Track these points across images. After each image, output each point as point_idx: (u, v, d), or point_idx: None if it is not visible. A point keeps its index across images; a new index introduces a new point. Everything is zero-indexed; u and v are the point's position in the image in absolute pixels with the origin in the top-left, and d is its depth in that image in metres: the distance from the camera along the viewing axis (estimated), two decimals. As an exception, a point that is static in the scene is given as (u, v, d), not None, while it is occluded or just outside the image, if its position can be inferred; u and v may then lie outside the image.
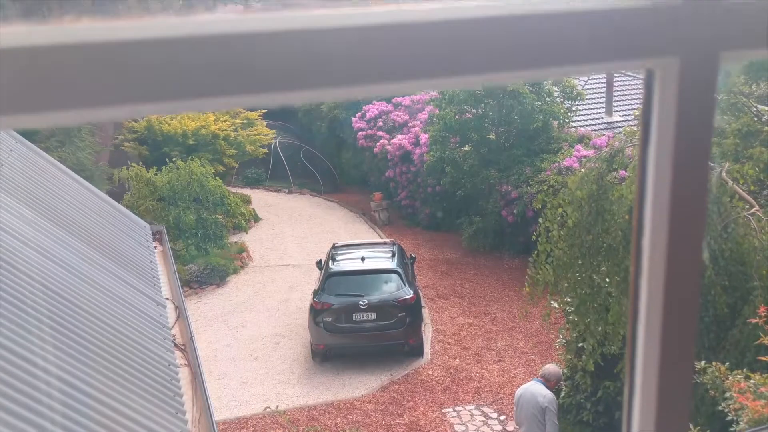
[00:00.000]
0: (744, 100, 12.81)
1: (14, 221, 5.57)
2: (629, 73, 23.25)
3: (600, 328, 8.88)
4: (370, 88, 0.48)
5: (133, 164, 18.78)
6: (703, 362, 6.54)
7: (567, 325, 10.88)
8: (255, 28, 0.45)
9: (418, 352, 13.40)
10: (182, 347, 5.98)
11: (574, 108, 18.84)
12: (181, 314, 6.66)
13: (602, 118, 20.06)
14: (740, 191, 8.54)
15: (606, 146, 15.91)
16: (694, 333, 0.65)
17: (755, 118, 12.48)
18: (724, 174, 8.50)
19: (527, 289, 10.32)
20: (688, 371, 0.66)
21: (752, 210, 8.32)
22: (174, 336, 6.08)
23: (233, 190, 22.43)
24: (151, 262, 7.47)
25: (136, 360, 5.10)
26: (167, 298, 6.92)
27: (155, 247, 8.50)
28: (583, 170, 8.83)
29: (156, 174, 18.35)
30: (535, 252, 9.80)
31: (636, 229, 0.60)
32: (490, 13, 0.49)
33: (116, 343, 5.16)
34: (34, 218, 6.01)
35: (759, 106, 13.52)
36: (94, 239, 6.98)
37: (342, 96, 0.48)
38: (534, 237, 9.95)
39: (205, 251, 17.73)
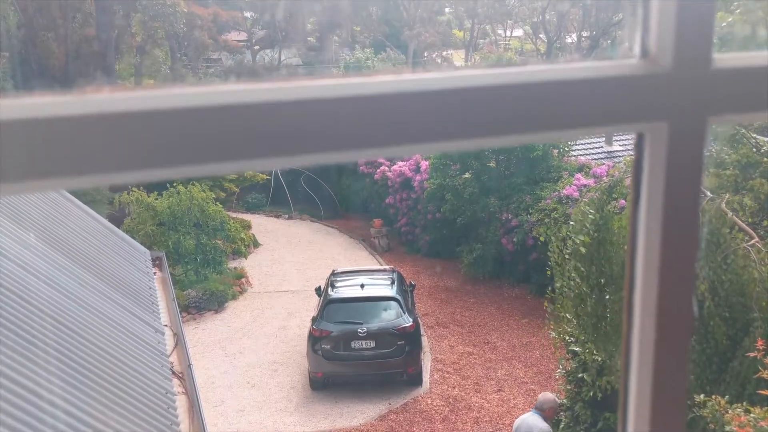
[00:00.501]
0: (743, 131, 12.89)
1: (18, 248, 5.59)
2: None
3: (600, 359, 8.84)
4: (376, 151, 0.50)
5: (133, 188, 18.84)
6: (702, 395, 6.50)
7: (567, 355, 10.82)
8: (256, 99, 0.48)
9: (417, 381, 13.31)
10: (180, 375, 5.96)
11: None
12: (179, 341, 6.64)
13: (602, 147, 20.17)
14: (740, 222, 8.56)
15: (606, 175, 15.98)
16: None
17: (754, 149, 12.54)
18: (723, 205, 8.52)
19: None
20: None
21: (752, 241, 8.32)
22: (172, 363, 6.06)
23: (233, 215, 22.47)
24: (151, 288, 7.47)
25: (135, 388, 5.08)
26: (166, 325, 6.90)
27: (155, 274, 8.50)
28: (585, 200, 8.86)
29: (157, 199, 18.40)
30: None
31: (628, 284, 0.61)
32: (493, 81, 0.51)
33: (116, 372, 5.15)
34: (37, 245, 6.03)
35: (758, 137, 13.60)
36: (95, 265, 6.99)
37: (347, 159, 0.50)
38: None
39: (204, 277, 17.71)
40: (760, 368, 6.06)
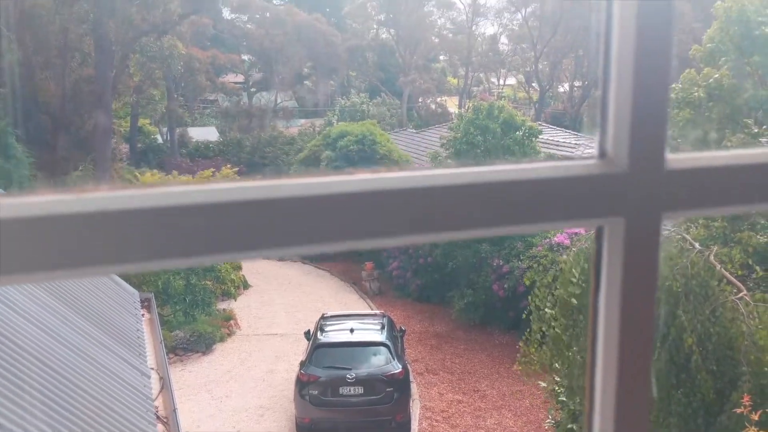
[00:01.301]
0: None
1: (6, 288, 5.57)
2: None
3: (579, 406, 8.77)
4: (356, 243, 0.54)
5: (125, 228, 18.84)
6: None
7: (557, 405, 10.74)
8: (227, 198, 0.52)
9: (405, 429, 13.15)
10: (165, 420, 5.89)
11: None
12: (165, 385, 6.58)
13: (593, 196, 20.35)
14: (728, 275, 8.60)
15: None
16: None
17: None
18: (712, 257, 8.58)
19: (519, 367, 10.22)
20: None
21: (740, 294, 8.36)
22: (157, 408, 5.99)
23: (225, 256, 22.41)
24: (138, 330, 7.42)
25: (118, 433, 5.02)
26: (152, 368, 6.84)
27: (143, 315, 8.45)
28: (575, 249, 8.90)
29: (148, 238, 18.38)
30: (528, 331, 9.76)
31: (589, 367, 0.65)
32: (464, 180, 0.56)
33: (101, 417, 5.09)
34: (26, 285, 6.01)
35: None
36: (83, 306, 6.96)
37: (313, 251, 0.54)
38: (525, 316, 9.92)
39: (192, 318, 17.58)
40: (746, 424, 6.04)
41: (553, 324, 9.21)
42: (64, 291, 7.16)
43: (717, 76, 12.10)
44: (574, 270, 8.59)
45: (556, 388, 10.31)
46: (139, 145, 31.21)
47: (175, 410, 6.00)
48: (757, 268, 9.79)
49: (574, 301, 8.60)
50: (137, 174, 24.22)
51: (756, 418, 6.28)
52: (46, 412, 4.77)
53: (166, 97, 31.36)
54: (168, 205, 0.50)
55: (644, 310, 0.63)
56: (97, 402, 5.39)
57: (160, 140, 33.50)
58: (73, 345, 5.91)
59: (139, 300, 8.81)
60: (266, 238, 0.53)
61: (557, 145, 23.26)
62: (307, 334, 14.68)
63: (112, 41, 20.59)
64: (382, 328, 14.08)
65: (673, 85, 12.96)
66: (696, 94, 12.07)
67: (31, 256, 0.48)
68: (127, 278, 17.23)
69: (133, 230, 0.50)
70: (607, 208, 0.62)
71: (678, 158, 0.64)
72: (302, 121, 42.81)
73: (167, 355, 16.50)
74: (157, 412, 5.90)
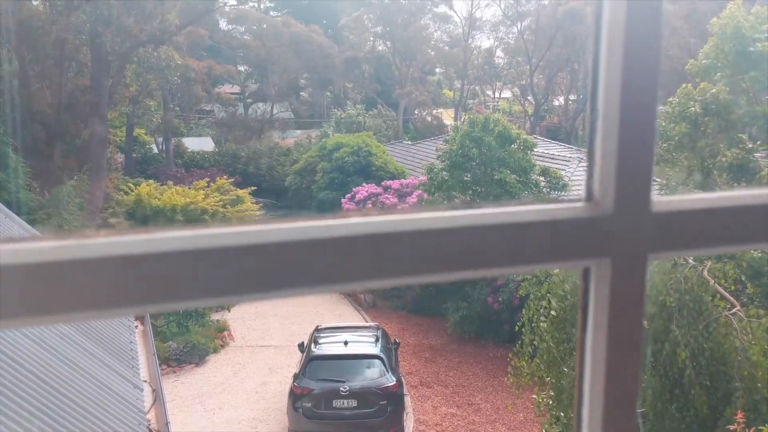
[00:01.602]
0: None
1: None
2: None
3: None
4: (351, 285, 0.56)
5: (120, 238, 18.77)
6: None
7: (551, 420, 10.72)
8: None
9: (398, 442, 13.10)
10: (157, 433, 5.87)
11: (560, 198, 19.17)
12: (157, 398, 6.55)
13: (587, 209, 20.38)
14: (721, 290, 8.64)
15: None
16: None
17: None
18: (705, 273, 8.62)
19: (510, 380, 10.21)
20: None
21: (733, 310, 8.39)
22: (149, 421, 5.96)
23: (219, 267, 22.36)
24: (131, 342, 7.40)
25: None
26: (145, 380, 6.81)
27: (136, 327, 8.42)
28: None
29: (142, 249, 18.31)
30: (519, 343, 9.75)
31: (576, 404, 0.66)
32: (456, 224, 0.57)
33: (93, 430, 5.06)
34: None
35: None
36: (76, 317, 6.93)
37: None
38: (517, 328, 9.92)
39: (186, 328, 17.52)
40: (740, 440, 6.05)
41: (545, 337, 9.22)
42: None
43: (713, 91, 12.20)
44: (565, 284, 8.61)
45: (550, 402, 10.29)
46: (135, 155, 31.19)
47: (167, 423, 5.97)
48: (749, 284, 9.82)
49: (554, 313, 8.61)
50: (132, 184, 24.19)
51: (749, 434, 6.29)
52: (38, 426, 4.74)
53: (162, 108, 31.38)
54: (163, 251, 0.51)
55: (631, 349, 0.64)
56: (89, 415, 5.36)
57: (155, 150, 33.48)
58: (64, 357, 5.88)
59: (132, 312, 8.78)
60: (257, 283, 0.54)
61: (552, 158, 23.34)
62: (300, 346, 14.64)
63: (109, 51, 20.63)
64: (377, 340, 14.06)
65: (670, 99, 13.05)
66: (692, 108, 12.16)
67: (32, 301, 0.49)
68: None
69: (140, 274, 0.51)
70: (593, 249, 0.63)
71: (663, 201, 0.66)
72: (298, 132, 42.88)
73: (160, 366, 16.45)
74: (149, 425, 5.87)
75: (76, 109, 21.05)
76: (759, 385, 7.79)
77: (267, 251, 0.53)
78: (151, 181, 25.06)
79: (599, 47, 0.60)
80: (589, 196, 0.64)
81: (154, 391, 6.69)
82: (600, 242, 0.63)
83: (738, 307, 8.52)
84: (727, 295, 8.65)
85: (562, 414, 9.78)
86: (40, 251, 0.49)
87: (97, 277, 0.50)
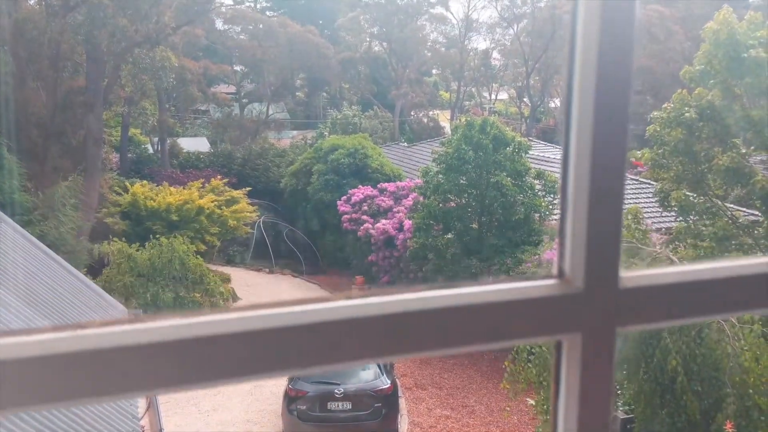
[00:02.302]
0: (719, 203, 13.18)
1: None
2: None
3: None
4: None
5: (115, 239, 18.75)
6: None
7: (546, 422, 10.77)
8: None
9: (393, 444, 13.14)
10: (151, 440, 5.88)
11: (555, 201, 19.19)
12: (151, 404, 6.57)
13: (582, 212, 20.40)
14: (713, 297, 8.68)
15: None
16: None
17: (730, 222, 12.81)
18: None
19: (506, 386, 10.26)
20: None
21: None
22: (143, 427, 5.98)
23: (213, 268, 22.34)
24: (126, 347, 7.39)
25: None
26: (139, 386, 6.82)
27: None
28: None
29: (138, 250, 18.30)
30: (515, 349, 9.80)
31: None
32: (435, 305, 0.61)
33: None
34: (10, 301, 6.00)
35: (734, 208, 13.88)
36: (68, 322, 6.93)
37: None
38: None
39: (181, 330, 17.50)
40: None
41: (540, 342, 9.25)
42: (47, 305, 7.14)
43: (708, 97, 12.26)
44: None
45: (546, 406, 10.34)
46: (130, 155, 31.14)
47: (161, 430, 5.99)
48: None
49: None
50: (127, 184, 24.16)
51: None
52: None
53: (157, 108, 31.34)
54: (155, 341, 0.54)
55: (600, 411, 0.68)
56: (82, 422, 5.38)
57: (150, 150, 33.44)
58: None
59: (126, 315, 8.79)
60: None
61: (547, 161, 23.38)
62: (295, 348, 14.66)
63: (104, 52, 20.60)
64: (371, 343, 14.08)
65: (665, 105, 13.12)
66: (687, 114, 12.23)
67: (30, 393, 0.52)
68: (114, 288, 17.20)
69: (129, 365, 0.54)
70: (565, 325, 0.66)
71: (631, 276, 0.69)
72: (294, 133, 42.86)
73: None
74: (143, 431, 5.89)
75: (71, 110, 21.03)
76: (750, 391, 7.85)
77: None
78: (145, 181, 25.04)
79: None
80: (561, 274, 0.67)
81: (147, 397, 6.71)
82: (571, 318, 0.66)
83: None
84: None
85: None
86: (37, 345, 0.52)
87: (96, 368, 0.53)
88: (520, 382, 9.75)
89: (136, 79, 23.61)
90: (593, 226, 0.65)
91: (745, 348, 8.04)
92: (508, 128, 20.76)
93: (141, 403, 6.50)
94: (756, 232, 12.80)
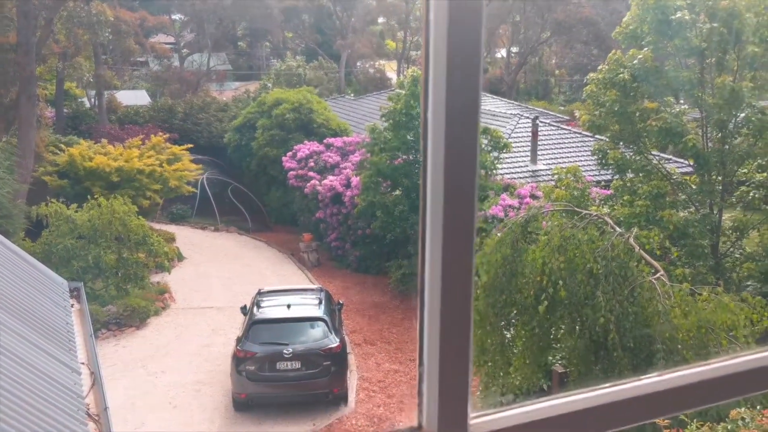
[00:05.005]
0: (655, 161, 13.58)
1: None
2: (553, 123, 24.19)
3: (500, 380, 9.21)
4: None
5: (52, 200, 18.25)
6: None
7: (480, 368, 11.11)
8: None
9: (342, 401, 13.41)
10: (96, 418, 5.88)
11: (500, 157, 19.39)
12: (96, 381, 6.55)
13: (527, 166, 20.76)
14: (646, 256, 9.04)
15: (528, 197, 16.49)
16: None
17: (665, 180, 13.23)
18: (631, 239, 8.99)
19: None
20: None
21: (657, 275, 8.81)
22: (88, 405, 5.98)
23: (157, 227, 22.04)
24: (68, 323, 7.32)
25: (45, 436, 5.01)
26: (82, 363, 6.79)
27: (72, 306, 8.32)
28: (499, 234, 9.18)
29: (77, 211, 17.87)
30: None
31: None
32: None
33: (28, 419, 5.06)
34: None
35: (668, 165, 14.32)
36: (6, 299, 6.81)
37: None
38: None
39: (125, 292, 17.33)
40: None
41: (479, 299, 9.46)
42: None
43: (641, 57, 12.50)
44: (495, 255, 8.85)
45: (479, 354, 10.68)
46: (66, 110, 30.05)
47: (106, 409, 6.00)
48: (672, 248, 10.28)
49: (489, 277, 8.88)
50: (63, 146, 23.39)
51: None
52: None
53: (93, 62, 30.18)
54: None
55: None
56: (23, 403, 5.35)
57: (87, 105, 32.32)
58: (-3, 344, 5.81)
59: (68, 290, 8.64)
60: None
61: (493, 116, 23.54)
62: (243, 309, 14.70)
63: (36, 6, 19.64)
64: (320, 302, 14.22)
65: (600, 67, 13.34)
66: (621, 75, 12.46)
67: None
68: (54, 251, 16.76)
69: None
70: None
71: (480, 421, 0.76)
72: (236, 84, 41.95)
73: (100, 330, 16.25)
74: (88, 410, 5.89)
75: (1, 67, 20.12)
76: (679, 346, 8.28)
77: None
78: (83, 141, 24.29)
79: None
80: (419, 425, 0.74)
81: (92, 373, 6.69)
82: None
83: (662, 272, 8.95)
84: (651, 260, 9.06)
85: (489, 363, 10.09)
86: None
87: None
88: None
89: (70, 33, 22.63)
90: (444, 380, 0.71)
91: (675, 305, 8.44)
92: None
93: (85, 381, 6.48)
94: (689, 189, 13.26)
